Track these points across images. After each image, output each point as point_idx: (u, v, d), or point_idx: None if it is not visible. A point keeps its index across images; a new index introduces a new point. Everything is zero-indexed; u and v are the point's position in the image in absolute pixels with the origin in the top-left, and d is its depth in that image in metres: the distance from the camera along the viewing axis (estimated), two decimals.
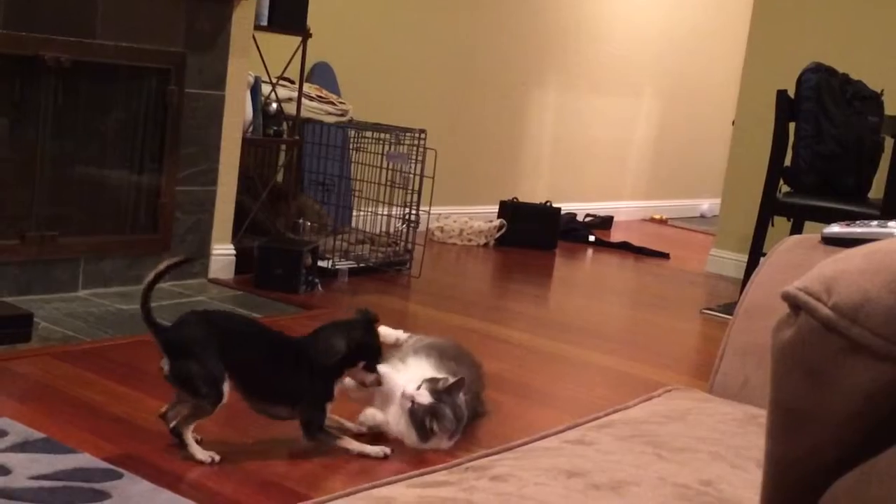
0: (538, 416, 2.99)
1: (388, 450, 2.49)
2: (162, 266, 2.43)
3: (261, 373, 2.44)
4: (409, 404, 2.52)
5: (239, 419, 2.53)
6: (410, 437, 2.54)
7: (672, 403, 1.56)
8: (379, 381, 2.52)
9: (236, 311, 3.49)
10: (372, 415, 2.59)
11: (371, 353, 2.49)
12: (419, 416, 2.52)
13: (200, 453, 2.36)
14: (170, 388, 2.41)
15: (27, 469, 2.18)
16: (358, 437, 2.55)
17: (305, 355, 2.44)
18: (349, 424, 2.58)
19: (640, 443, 1.32)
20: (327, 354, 2.43)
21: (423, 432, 2.52)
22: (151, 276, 2.39)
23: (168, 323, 2.42)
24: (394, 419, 2.57)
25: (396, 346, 2.78)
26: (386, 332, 2.74)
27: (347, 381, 2.52)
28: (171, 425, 2.39)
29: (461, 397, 2.57)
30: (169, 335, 2.37)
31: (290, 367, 2.44)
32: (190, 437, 2.38)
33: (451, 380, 2.55)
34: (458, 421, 2.56)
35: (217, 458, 2.36)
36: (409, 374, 2.60)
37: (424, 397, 2.52)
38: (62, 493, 2.10)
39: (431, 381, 2.55)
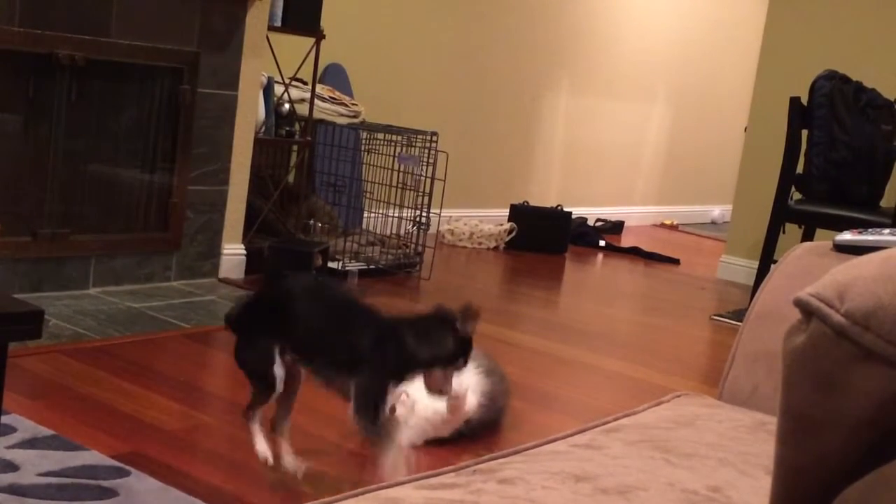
0: (547, 419, 2.99)
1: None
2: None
3: (326, 340, 2.22)
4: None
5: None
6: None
7: (681, 409, 1.55)
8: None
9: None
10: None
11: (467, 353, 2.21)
12: None
13: (260, 445, 2.22)
14: (174, 386, 2.39)
15: (36, 466, 2.19)
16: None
17: (390, 331, 2.17)
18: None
19: (648, 448, 1.32)
20: (438, 348, 2.14)
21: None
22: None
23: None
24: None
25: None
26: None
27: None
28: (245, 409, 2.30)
29: None
30: (230, 316, 2.32)
31: (361, 332, 2.19)
32: (255, 426, 2.25)
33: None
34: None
35: (271, 460, 2.21)
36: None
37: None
38: (70, 490, 2.10)
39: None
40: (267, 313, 2.27)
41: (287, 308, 2.24)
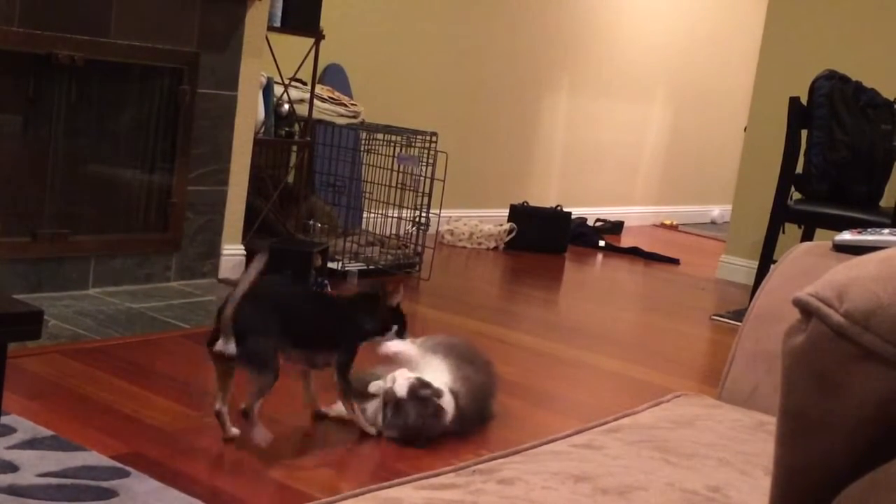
0: (546, 419, 2.99)
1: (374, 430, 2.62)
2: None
3: (313, 328, 2.60)
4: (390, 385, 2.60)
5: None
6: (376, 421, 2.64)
7: (681, 409, 1.55)
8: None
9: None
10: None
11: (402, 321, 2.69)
12: (385, 402, 2.60)
13: (261, 434, 2.44)
14: (174, 386, 2.38)
15: (35, 466, 2.19)
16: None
17: (348, 311, 2.67)
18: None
19: (648, 448, 1.32)
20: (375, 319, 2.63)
21: (384, 417, 2.60)
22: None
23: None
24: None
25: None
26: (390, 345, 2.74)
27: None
28: (242, 407, 2.45)
29: (433, 412, 2.59)
30: (236, 314, 2.42)
31: (334, 318, 2.65)
32: (257, 415, 2.44)
33: (435, 391, 2.59)
34: (410, 427, 2.58)
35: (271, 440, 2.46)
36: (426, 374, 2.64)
37: (401, 388, 2.56)
38: (69, 491, 2.10)
39: (420, 382, 2.57)
40: (264, 309, 2.48)
41: (284, 305, 2.55)
